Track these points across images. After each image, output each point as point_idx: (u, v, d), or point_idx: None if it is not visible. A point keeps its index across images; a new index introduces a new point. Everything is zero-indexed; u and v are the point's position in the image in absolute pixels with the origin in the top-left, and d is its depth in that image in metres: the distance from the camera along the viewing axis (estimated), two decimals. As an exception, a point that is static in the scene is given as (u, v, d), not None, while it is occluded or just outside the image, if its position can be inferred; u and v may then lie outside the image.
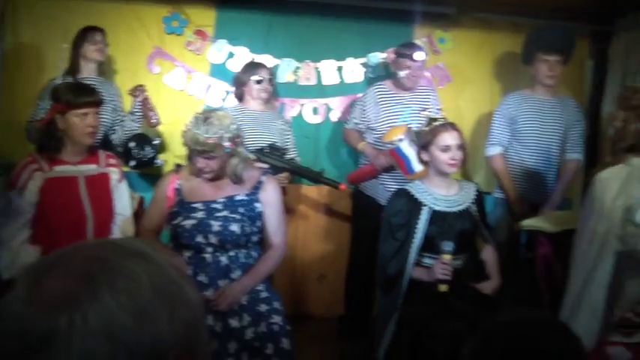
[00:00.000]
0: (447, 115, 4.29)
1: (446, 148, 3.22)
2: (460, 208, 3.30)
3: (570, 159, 4.31)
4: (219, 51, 4.60)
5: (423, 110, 3.54)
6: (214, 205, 2.97)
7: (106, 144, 3.96)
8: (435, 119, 3.30)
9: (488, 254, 3.39)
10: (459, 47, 4.73)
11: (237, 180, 3.00)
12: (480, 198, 3.40)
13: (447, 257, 3.12)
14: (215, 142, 2.85)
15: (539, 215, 3.89)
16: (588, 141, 4.48)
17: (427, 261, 3.22)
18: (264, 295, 2.95)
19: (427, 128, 3.28)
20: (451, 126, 3.27)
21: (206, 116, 2.90)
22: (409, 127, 3.91)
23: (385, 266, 3.24)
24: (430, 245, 3.20)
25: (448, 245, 3.14)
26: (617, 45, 4.45)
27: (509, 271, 3.67)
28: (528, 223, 3.70)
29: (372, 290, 4.18)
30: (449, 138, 3.22)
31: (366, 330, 3.96)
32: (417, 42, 4.52)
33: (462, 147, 3.25)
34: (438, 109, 4.21)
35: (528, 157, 4.24)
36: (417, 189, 3.29)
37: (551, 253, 3.55)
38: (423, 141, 3.28)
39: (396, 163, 3.99)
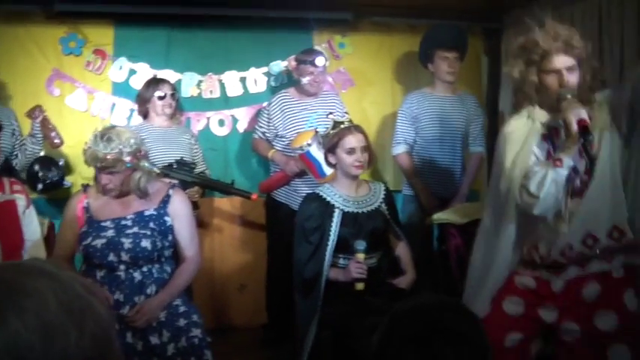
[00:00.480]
0: (353, 118, 4.42)
1: (351, 151, 3.29)
2: (370, 208, 3.38)
3: (474, 152, 4.47)
4: (119, 69, 4.54)
5: (329, 114, 3.60)
6: (124, 222, 2.95)
7: (9, 170, 3.85)
8: (340, 122, 3.38)
9: (402, 250, 3.48)
10: (359, 51, 4.83)
11: (143, 194, 2.99)
12: (389, 197, 3.49)
13: (360, 256, 3.20)
14: (115, 157, 2.85)
15: (448, 209, 4.03)
16: (489, 134, 4.67)
17: (342, 262, 3.28)
18: (182, 309, 2.94)
19: (333, 131, 3.35)
20: (355, 128, 3.35)
21: (104, 133, 2.90)
22: (317, 131, 3.98)
23: (302, 270, 3.28)
24: (344, 246, 3.26)
25: (361, 244, 3.21)
26: (507, 41, 4.65)
27: (424, 264, 3.79)
28: (438, 216, 3.83)
29: (293, 296, 4.21)
30: (353, 140, 3.30)
31: (290, 336, 3.99)
32: (318, 48, 4.60)
33: (367, 149, 3.33)
34: (344, 112, 4.29)
35: (434, 154, 4.36)
36: (327, 192, 3.35)
37: (462, 244, 3.68)
38: (330, 144, 3.35)
39: (307, 167, 4.04)
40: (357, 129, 3.36)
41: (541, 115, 2.54)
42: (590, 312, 2.48)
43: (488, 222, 2.73)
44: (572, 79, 2.46)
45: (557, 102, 2.44)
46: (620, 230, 2.47)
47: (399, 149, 4.40)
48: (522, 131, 2.55)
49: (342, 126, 3.34)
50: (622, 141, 2.43)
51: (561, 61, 2.46)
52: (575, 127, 2.33)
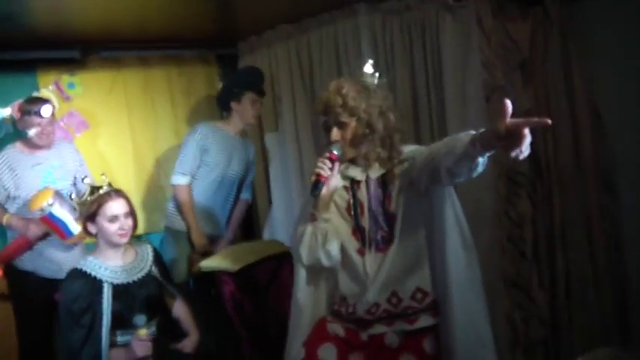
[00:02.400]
0: (89, 163, 4.07)
1: (114, 219, 3.00)
2: (141, 274, 3.11)
3: (244, 198, 4.41)
4: None
5: (84, 178, 3.21)
6: None
7: None
8: (98, 187, 3.04)
9: (180, 310, 3.25)
10: (90, 90, 4.41)
11: None
12: (157, 256, 3.25)
13: (142, 332, 2.94)
14: None
15: (215, 254, 3.86)
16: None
17: (121, 339, 2.98)
18: None
19: (90, 198, 3.01)
20: (116, 193, 3.05)
21: None
22: (56, 190, 3.61)
23: (77, 357, 2.91)
24: (120, 322, 2.97)
25: (140, 319, 2.97)
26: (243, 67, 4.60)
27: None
28: (207, 264, 3.64)
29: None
30: (115, 207, 3.00)
31: None
32: (44, 90, 4.11)
33: (130, 214, 3.06)
34: (81, 162, 3.92)
35: (211, 191, 4.15)
36: (92, 266, 3.01)
37: (236, 289, 3.55)
38: (88, 212, 3.01)
39: (51, 229, 3.63)
40: (118, 194, 3.06)
41: (343, 167, 2.58)
42: (394, 357, 2.52)
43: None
44: (338, 134, 2.49)
45: None
46: (424, 292, 2.52)
47: (183, 180, 4.08)
48: None
49: (100, 191, 3.02)
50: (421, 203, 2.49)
51: (325, 119, 2.52)
52: (312, 179, 2.45)
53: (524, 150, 1.83)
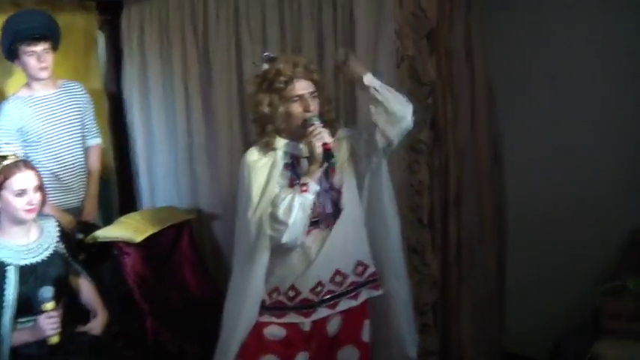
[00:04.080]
0: None
1: (21, 192, 2.71)
2: (48, 253, 2.86)
3: (92, 145, 4.00)
4: None
5: None
6: None
7: None
8: (3, 157, 2.71)
9: (86, 289, 3.05)
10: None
11: None
12: (62, 231, 3.00)
13: (49, 306, 2.70)
14: None
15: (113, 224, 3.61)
16: (112, 120, 4.28)
17: (28, 325, 2.74)
18: None
19: (-7, 169, 2.69)
20: (25, 165, 2.74)
21: None
22: None
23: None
24: (27, 307, 2.73)
25: (47, 292, 2.70)
26: (127, 14, 4.24)
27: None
28: (106, 234, 3.40)
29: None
30: (23, 180, 2.70)
31: None
32: None
33: (40, 188, 2.77)
34: None
35: (53, 164, 3.73)
36: (-6, 248, 2.71)
37: (140, 262, 3.37)
38: (-9, 185, 2.69)
39: None
40: (27, 165, 2.76)
41: (283, 144, 2.51)
42: (335, 349, 2.55)
43: (238, 267, 2.57)
44: (315, 104, 2.47)
45: (303, 127, 2.44)
46: (364, 265, 2.54)
47: None
48: (265, 160, 2.49)
49: (5, 162, 2.69)
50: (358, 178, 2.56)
51: (304, 87, 2.46)
52: (319, 151, 2.35)
53: None
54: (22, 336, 2.70)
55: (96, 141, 4.03)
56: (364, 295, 2.58)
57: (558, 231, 3.69)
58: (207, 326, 3.35)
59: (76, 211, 3.77)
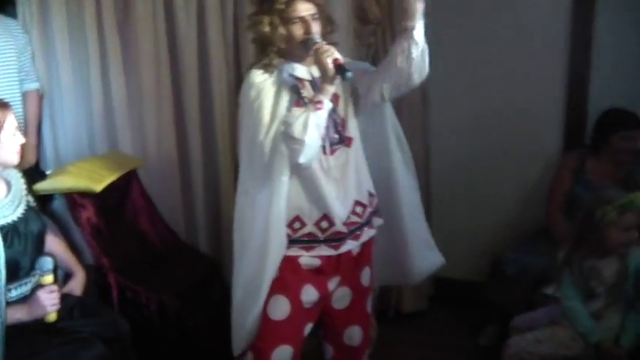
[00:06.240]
0: None
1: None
2: (22, 208, 2.50)
3: (29, 90, 3.57)
4: None
5: None
6: None
7: None
8: None
9: (56, 246, 2.71)
10: None
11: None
12: (26, 181, 2.63)
13: (49, 279, 2.40)
14: None
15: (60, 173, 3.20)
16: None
17: (16, 292, 2.40)
18: None
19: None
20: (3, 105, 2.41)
21: None
22: None
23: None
24: (14, 272, 2.37)
25: (48, 262, 2.41)
26: None
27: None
28: (54, 185, 3.03)
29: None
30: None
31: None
32: None
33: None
34: None
35: None
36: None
37: (93, 213, 3.08)
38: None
39: None
40: (5, 105, 2.42)
41: (285, 66, 2.39)
42: (358, 271, 2.56)
43: (246, 198, 2.41)
44: (316, 26, 2.37)
45: (306, 49, 2.33)
46: (373, 195, 2.57)
47: None
48: (271, 80, 2.36)
49: None
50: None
51: (305, 8, 2.35)
52: (331, 67, 2.24)
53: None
54: (16, 314, 2.34)
55: (34, 85, 3.61)
56: (376, 222, 2.59)
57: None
58: (179, 278, 3.21)
59: None
